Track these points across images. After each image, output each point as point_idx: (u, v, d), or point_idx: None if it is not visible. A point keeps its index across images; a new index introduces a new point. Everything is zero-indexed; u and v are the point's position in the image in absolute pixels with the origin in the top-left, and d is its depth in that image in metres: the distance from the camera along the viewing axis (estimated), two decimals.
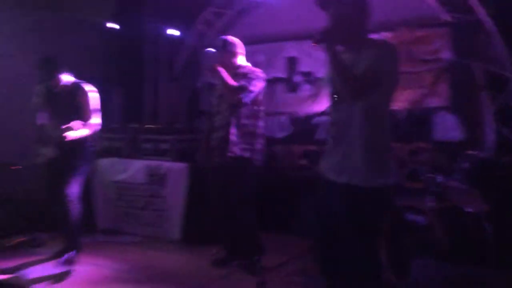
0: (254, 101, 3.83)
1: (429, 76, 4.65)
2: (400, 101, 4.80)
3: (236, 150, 3.80)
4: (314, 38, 2.40)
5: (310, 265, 4.15)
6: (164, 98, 6.49)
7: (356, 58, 2.39)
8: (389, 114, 2.48)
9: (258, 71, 3.87)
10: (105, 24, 6.53)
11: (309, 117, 5.29)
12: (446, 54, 4.53)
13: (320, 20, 2.47)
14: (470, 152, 3.45)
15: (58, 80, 4.31)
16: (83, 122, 4.13)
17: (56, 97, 4.33)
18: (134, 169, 5.17)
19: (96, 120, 4.25)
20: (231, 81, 3.73)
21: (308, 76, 5.28)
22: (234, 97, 3.73)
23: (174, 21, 6.09)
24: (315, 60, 5.22)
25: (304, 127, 5.32)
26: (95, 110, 4.28)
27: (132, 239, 5.04)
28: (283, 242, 4.87)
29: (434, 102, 4.66)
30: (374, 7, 4.37)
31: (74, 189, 4.15)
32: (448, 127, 4.58)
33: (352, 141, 2.44)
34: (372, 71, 2.33)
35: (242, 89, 3.72)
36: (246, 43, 5.58)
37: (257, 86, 3.80)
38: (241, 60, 3.97)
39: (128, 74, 6.68)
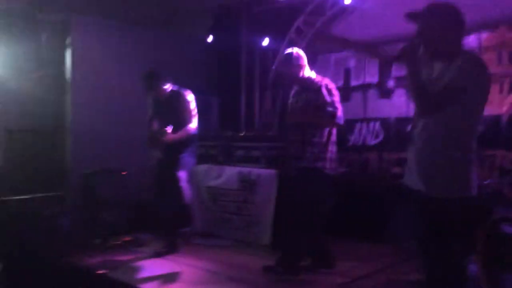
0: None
1: None
2: (503, 105, 4.47)
3: (307, 161, 3.86)
4: (395, 55, 2.43)
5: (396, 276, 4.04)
6: (259, 106, 6.66)
7: (445, 70, 2.41)
8: (474, 127, 2.48)
9: (331, 83, 3.91)
10: (205, 38, 6.92)
11: (403, 123, 5.10)
12: None
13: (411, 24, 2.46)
14: None
15: (162, 90, 4.72)
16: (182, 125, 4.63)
17: (161, 105, 4.82)
18: (227, 175, 5.38)
19: (193, 123, 4.67)
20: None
21: (402, 81, 5.10)
22: (329, 124, 3.84)
23: (269, 31, 6.24)
24: None
25: (397, 133, 5.14)
26: (193, 115, 4.70)
27: (224, 243, 5.24)
28: (375, 251, 4.78)
29: None
30: (472, 4, 4.19)
31: (182, 174, 4.66)
32: None
33: (432, 152, 2.46)
34: (451, 88, 2.33)
35: (333, 116, 3.80)
36: (337, 49, 5.61)
37: (338, 100, 3.87)
38: (307, 71, 4.02)
39: (225, 85, 6.98)
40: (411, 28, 2.49)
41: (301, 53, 4.03)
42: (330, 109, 3.81)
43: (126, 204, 5.65)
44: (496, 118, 4.50)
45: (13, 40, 5.58)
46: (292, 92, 4.15)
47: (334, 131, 3.96)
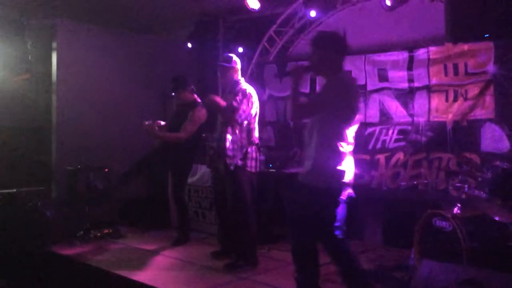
0: (246, 117, 4.37)
1: (475, 89, 4.75)
2: (448, 113, 4.95)
3: (229, 159, 4.32)
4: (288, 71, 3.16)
5: None
6: None
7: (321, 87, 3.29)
8: (340, 131, 3.14)
9: (248, 91, 4.40)
10: (185, 44, 7.33)
11: (362, 127, 5.55)
12: (491, 67, 4.62)
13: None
14: (495, 163, 3.59)
15: (184, 96, 5.28)
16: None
17: (179, 109, 5.38)
18: (201, 173, 5.80)
19: (185, 133, 5.13)
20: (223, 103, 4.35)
21: (361, 89, 5.55)
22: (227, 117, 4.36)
23: (244, 40, 6.67)
24: (367, 74, 5.51)
25: (356, 137, 5.58)
26: (192, 126, 5.14)
27: (199, 236, 5.65)
28: None
29: (481, 114, 4.74)
30: (423, 22, 4.67)
31: None
32: (495, 139, 4.65)
33: (309, 150, 3.19)
34: (314, 101, 3.27)
35: (234, 110, 4.29)
36: (303, 59, 6.05)
37: (248, 106, 4.36)
38: (239, 76, 4.57)
39: (205, 88, 7.38)
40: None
41: (237, 58, 4.57)
42: (234, 104, 4.29)
43: (108, 199, 6.03)
44: (442, 125, 4.97)
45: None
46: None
47: (254, 134, 4.44)
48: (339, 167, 3.11)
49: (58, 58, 6.46)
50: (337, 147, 3.10)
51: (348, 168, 3.40)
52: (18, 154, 6.39)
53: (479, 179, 3.69)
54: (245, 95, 4.35)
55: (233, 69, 4.52)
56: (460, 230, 3.52)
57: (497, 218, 3.58)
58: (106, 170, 6.23)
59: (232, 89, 4.49)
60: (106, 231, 5.69)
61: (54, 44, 6.48)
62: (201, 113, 5.19)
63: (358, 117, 3.48)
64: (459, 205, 3.77)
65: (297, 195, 3.21)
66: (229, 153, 4.32)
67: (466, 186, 3.74)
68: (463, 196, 3.79)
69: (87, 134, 6.41)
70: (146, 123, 5.09)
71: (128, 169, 5.66)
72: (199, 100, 5.29)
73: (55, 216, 5.34)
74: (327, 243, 3.28)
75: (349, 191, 4.02)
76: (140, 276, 4.17)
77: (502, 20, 4.45)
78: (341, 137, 3.13)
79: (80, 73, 6.51)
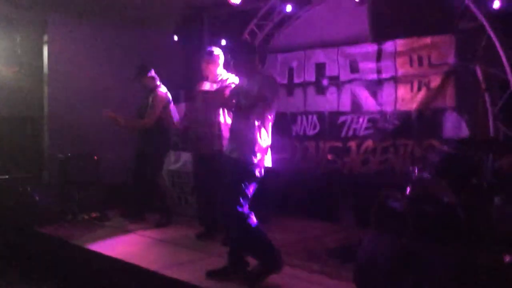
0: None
1: (437, 79, 5.02)
2: (413, 103, 5.23)
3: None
4: None
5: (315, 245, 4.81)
6: None
7: (248, 85, 3.67)
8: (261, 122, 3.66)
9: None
10: (172, 37, 7.60)
11: (334, 116, 5.86)
12: (452, 59, 4.89)
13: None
14: (439, 147, 3.87)
15: (145, 82, 5.51)
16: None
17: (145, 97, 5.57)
18: (183, 160, 6.11)
19: (148, 119, 5.36)
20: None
21: (335, 80, 5.84)
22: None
23: (226, 33, 6.94)
24: (340, 65, 5.79)
25: (330, 125, 5.90)
26: (154, 111, 5.36)
27: (183, 219, 5.95)
28: (308, 226, 5.58)
29: (442, 103, 5.02)
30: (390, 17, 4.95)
31: None
32: (456, 126, 4.93)
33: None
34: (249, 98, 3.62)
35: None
36: (283, 50, 6.34)
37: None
38: (220, 70, 4.82)
39: (191, 79, 7.67)
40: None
41: (220, 52, 4.81)
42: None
43: (96, 185, 6.35)
44: (408, 113, 5.26)
45: None
46: None
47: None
48: None
49: (49, 50, 6.77)
50: None
51: None
52: (13, 143, 6.72)
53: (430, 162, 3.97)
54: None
55: (215, 62, 4.78)
56: (408, 209, 3.81)
57: (445, 199, 3.87)
58: (96, 157, 6.56)
59: (215, 80, 4.76)
60: (94, 215, 6.01)
61: (45, 37, 6.79)
62: (160, 97, 5.42)
63: None
64: (409, 186, 4.05)
65: None
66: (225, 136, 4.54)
67: (416, 168, 4.02)
68: (414, 178, 4.06)
69: (78, 123, 6.72)
70: (106, 112, 5.33)
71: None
72: (159, 84, 5.53)
73: (45, 200, 5.66)
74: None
75: None
76: (115, 252, 4.50)
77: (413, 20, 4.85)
78: None
79: (70, 64, 6.82)
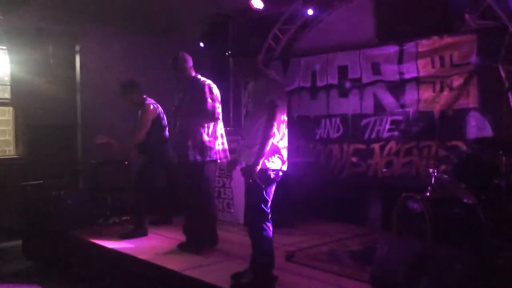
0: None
1: (460, 79, 4.97)
2: (435, 103, 5.19)
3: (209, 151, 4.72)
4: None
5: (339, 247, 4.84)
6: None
7: (255, 89, 3.75)
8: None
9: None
10: (199, 44, 7.78)
11: (357, 119, 5.87)
12: (474, 59, 4.83)
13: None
14: (459, 149, 3.84)
15: (131, 99, 5.44)
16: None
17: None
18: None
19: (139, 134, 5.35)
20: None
21: (357, 82, 5.86)
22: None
23: (251, 38, 7.04)
24: (362, 68, 5.80)
25: (353, 127, 5.92)
26: (143, 125, 5.31)
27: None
28: (332, 229, 5.64)
29: (465, 103, 4.96)
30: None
31: None
32: (479, 127, 4.87)
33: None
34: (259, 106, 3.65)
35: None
36: (306, 54, 6.40)
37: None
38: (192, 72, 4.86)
39: (218, 85, 7.81)
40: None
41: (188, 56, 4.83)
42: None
43: (127, 189, 6.56)
44: (431, 114, 5.22)
45: (25, 51, 6.59)
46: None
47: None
48: None
49: (81, 60, 7.05)
50: None
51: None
52: (47, 150, 7.02)
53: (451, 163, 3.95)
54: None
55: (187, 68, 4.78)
56: (427, 210, 3.81)
57: (465, 200, 3.85)
58: (126, 163, 6.80)
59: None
60: (124, 218, 6.22)
61: (77, 48, 7.08)
62: (149, 112, 5.32)
63: None
64: (429, 188, 4.04)
65: None
66: (208, 144, 4.68)
67: (435, 170, 4.01)
68: (434, 180, 4.05)
69: (109, 130, 6.93)
70: (99, 139, 5.36)
71: None
72: (147, 99, 5.43)
73: (78, 204, 5.89)
74: None
75: None
76: (143, 256, 4.67)
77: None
78: None
79: (102, 74, 7.08)
